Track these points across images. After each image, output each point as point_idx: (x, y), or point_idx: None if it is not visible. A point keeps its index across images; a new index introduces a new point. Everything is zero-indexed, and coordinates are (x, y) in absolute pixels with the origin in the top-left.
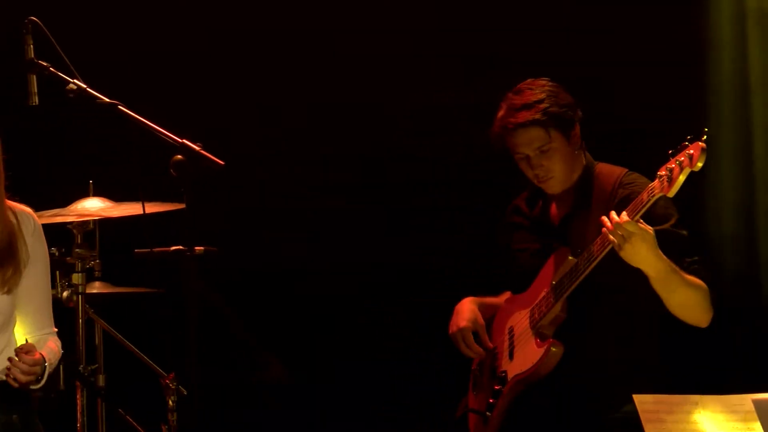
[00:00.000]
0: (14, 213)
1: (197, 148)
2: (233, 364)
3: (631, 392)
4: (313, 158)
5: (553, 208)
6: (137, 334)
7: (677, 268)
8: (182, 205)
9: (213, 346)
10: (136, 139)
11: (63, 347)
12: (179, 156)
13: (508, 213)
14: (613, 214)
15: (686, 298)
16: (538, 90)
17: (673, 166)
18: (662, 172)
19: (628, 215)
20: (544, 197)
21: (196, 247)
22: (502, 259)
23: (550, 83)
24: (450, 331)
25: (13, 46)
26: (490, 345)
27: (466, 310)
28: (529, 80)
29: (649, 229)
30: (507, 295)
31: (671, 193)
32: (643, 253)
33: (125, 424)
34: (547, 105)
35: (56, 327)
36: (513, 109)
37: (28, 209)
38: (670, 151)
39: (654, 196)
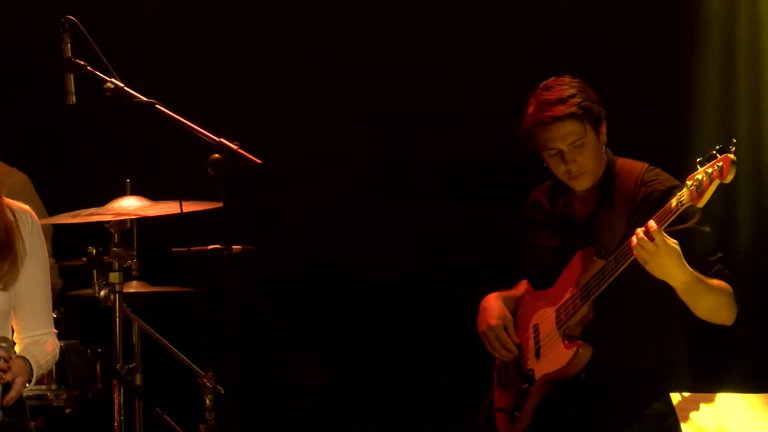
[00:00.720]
0: (12, 211)
1: (235, 146)
2: (270, 363)
3: (659, 390)
4: (349, 157)
5: (576, 206)
6: (175, 333)
7: (702, 277)
8: (220, 204)
9: (250, 344)
10: (173, 138)
11: (101, 346)
12: (217, 155)
13: (528, 207)
14: (640, 230)
15: (712, 304)
16: (568, 86)
17: (702, 177)
18: (690, 182)
19: (656, 223)
20: (565, 195)
21: (234, 246)
22: (522, 252)
23: (575, 79)
24: (480, 329)
25: (50, 45)
26: (517, 340)
27: (494, 306)
28: (552, 78)
29: (675, 244)
30: (524, 283)
31: (701, 204)
32: (668, 268)
33: (163, 423)
34: (580, 99)
35: (91, 326)
36: (547, 104)
37: (26, 207)
38: (698, 160)
39: (683, 205)
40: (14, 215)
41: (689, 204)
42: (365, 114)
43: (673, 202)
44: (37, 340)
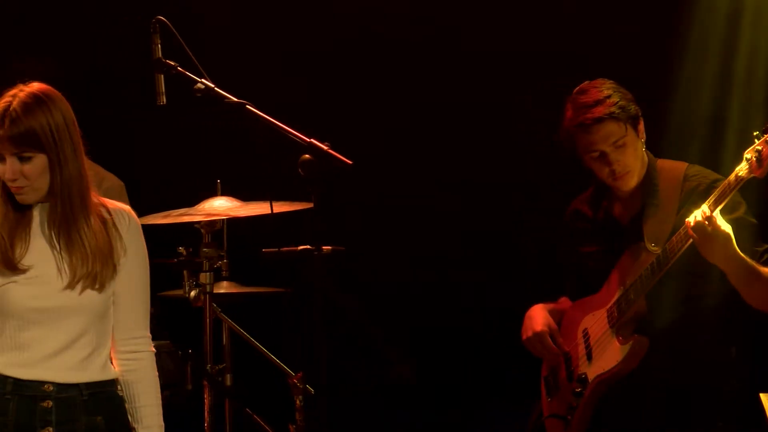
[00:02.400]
0: (108, 210)
1: (325, 147)
2: (361, 363)
3: (718, 386)
4: (438, 157)
5: (618, 208)
6: (265, 334)
7: (754, 264)
8: (310, 205)
9: (340, 345)
10: (263, 139)
11: (191, 347)
12: (307, 155)
13: (568, 217)
14: (697, 212)
15: (763, 291)
16: (603, 87)
17: (762, 147)
18: (749, 155)
19: (715, 200)
20: (608, 198)
21: (324, 247)
22: (563, 264)
23: (609, 81)
24: (524, 337)
25: (141, 45)
26: (565, 348)
27: (539, 315)
28: (586, 82)
29: (728, 227)
30: (564, 300)
31: (762, 174)
32: (721, 251)
33: (252, 424)
34: (617, 99)
35: (181, 327)
36: (585, 106)
37: (127, 207)
38: (756, 133)
39: (743, 179)
40: (110, 214)
41: (749, 177)
42: (458, 113)
43: (732, 176)
44: (134, 357)
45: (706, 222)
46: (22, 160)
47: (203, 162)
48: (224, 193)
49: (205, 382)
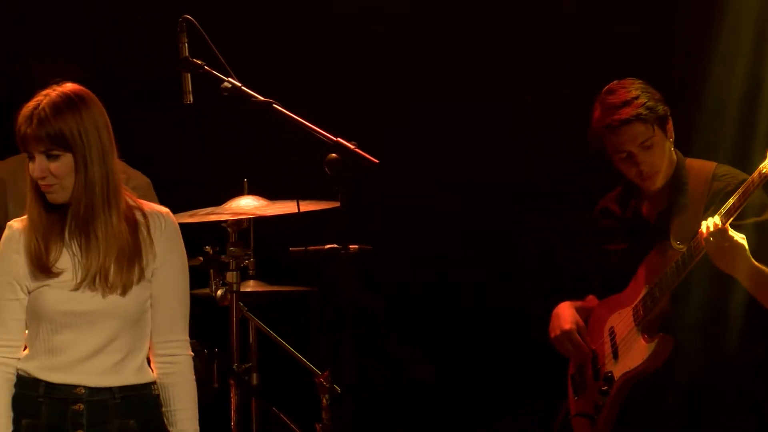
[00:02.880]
0: (144, 213)
1: (352, 146)
2: (387, 362)
3: (744, 385)
4: (466, 156)
5: (647, 207)
6: (291, 333)
7: None
8: (337, 204)
9: (366, 344)
10: (290, 138)
11: (218, 346)
12: (334, 154)
13: (596, 214)
14: (710, 223)
15: None
16: (631, 88)
17: None
18: None
19: (727, 212)
20: (635, 197)
21: (351, 246)
22: (591, 262)
23: (638, 81)
24: (552, 335)
25: (167, 44)
26: (593, 346)
27: (567, 313)
28: (615, 81)
29: (741, 239)
30: (591, 298)
31: None
32: (734, 262)
33: (279, 423)
34: (645, 100)
35: (211, 325)
36: (613, 107)
37: (164, 210)
38: None
39: (765, 177)
40: (146, 217)
41: None
42: (483, 112)
43: (756, 173)
44: (173, 360)
45: (718, 235)
46: (50, 158)
47: (230, 161)
48: (251, 192)
49: (232, 381)
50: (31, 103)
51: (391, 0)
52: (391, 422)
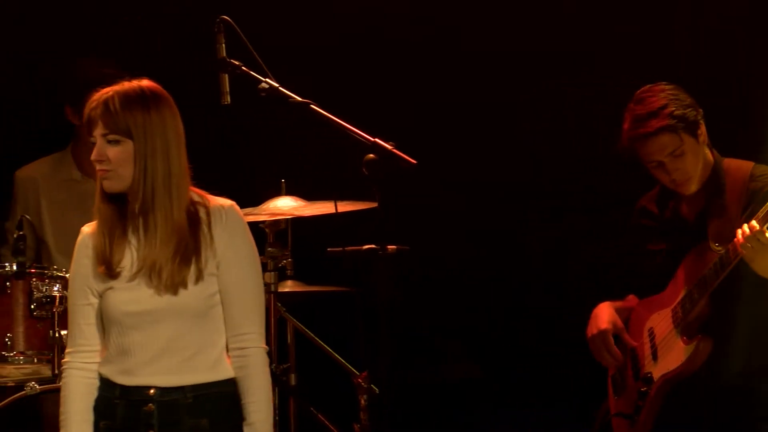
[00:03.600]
0: (206, 208)
1: (390, 147)
2: (425, 362)
3: None
4: (502, 158)
5: (685, 208)
6: (329, 333)
7: None
8: (375, 204)
9: (404, 344)
10: (328, 138)
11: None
12: (372, 155)
13: (635, 215)
14: (745, 226)
15: None
16: (660, 96)
17: None
18: None
19: (765, 216)
20: (674, 198)
21: (389, 246)
22: (631, 262)
23: (668, 86)
24: (589, 335)
25: (205, 45)
26: (634, 343)
27: (605, 313)
28: (646, 87)
29: None
30: (632, 298)
31: None
32: None
33: (317, 423)
34: (673, 109)
35: None
36: (639, 119)
37: (228, 203)
38: None
39: None
40: (208, 214)
41: None
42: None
43: None
44: (245, 353)
45: (754, 239)
46: (110, 143)
47: (268, 161)
48: (289, 193)
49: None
50: (105, 90)
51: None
52: (430, 423)
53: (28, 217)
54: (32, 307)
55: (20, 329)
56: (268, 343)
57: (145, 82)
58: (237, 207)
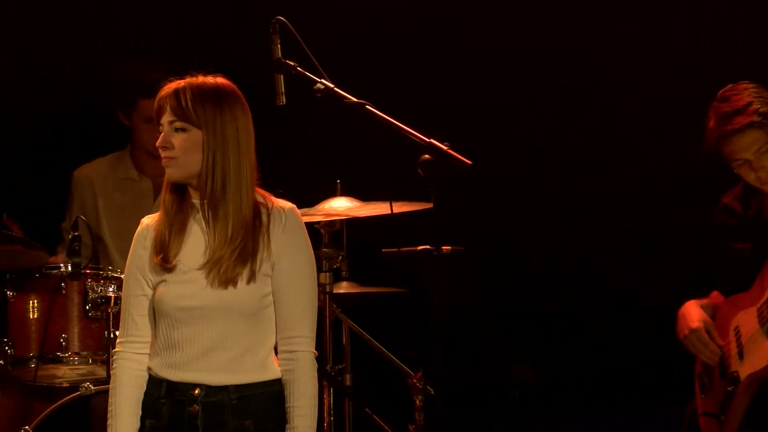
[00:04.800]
0: (268, 209)
1: (445, 147)
2: (479, 363)
3: None
4: (557, 158)
5: None
6: (384, 334)
7: None
8: (430, 205)
9: (459, 345)
10: (383, 139)
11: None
12: (427, 155)
13: (717, 213)
14: None
15: None
16: (744, 94)
17: None
18: None
19: None
20: (758, 196)
21: (444, 247)
22: (714, 259)
23: (751, 85)
24: (681, 335)
25: (260, 46)
26: (722, 342)
27: (694, 312)
28: (728, 86)
29: None
30: (716, 295)
31: None
32: None
33: (372, 424)
34: (758, 106)
35: None
36: (725, 117)
37: (288, 205)
38: None
39: None
40: (269, 215)
41: None
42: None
43: None
44: (294, 356)
45: None
46: (177, 131)
47: (323, 162)
48: (344, 193)
49: (325, 382)
50: (178, 80)
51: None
52: (484, 424)
53: (83, 217)
54: (87, 307)
55: (75, 330)
56: (323, 343)
57: (220, 79)
58: (297, 210)
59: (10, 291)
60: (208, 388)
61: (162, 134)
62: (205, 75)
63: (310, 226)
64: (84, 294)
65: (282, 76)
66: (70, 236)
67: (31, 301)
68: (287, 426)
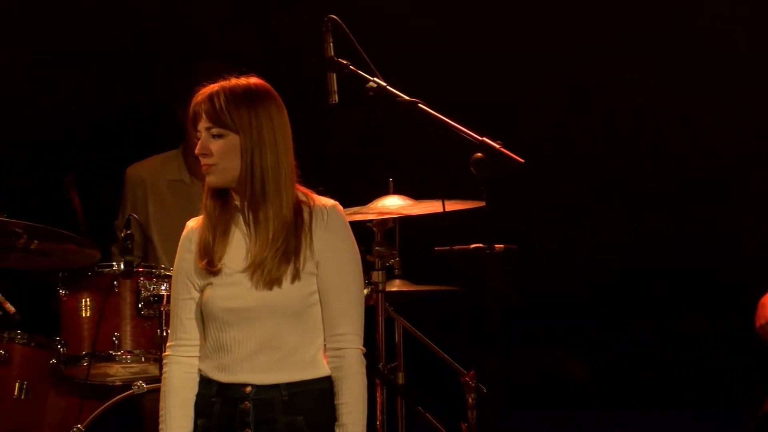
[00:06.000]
0: (310, 207)
1: (497, 145)
2: (532, 362)
3: None
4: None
5: None
6: (437, 332)
7: None
8: (482, 203)
9: (512, 343)
10: (435, 137)
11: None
12: (479, 154)
13: None
14: None
15: None
16: None
17: None
18: None
19: None
20: None
21: (496, 245)
22: None
23: None
24: (757, 325)
25: (313, 44)
26: None
27: None
28: None
29: None
30: None
31: None
32: None
33: (425, 422)
34: None
35: None
36: None
37: (330, 203)
38: None
39: None
40: (311, 214)
41: None
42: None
43: None
44: (341, 354)
45: None
46: (214, 137)
47: (375, 160)
48: (396, 192)
49: (378, 381)
50: (211, 85)
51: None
52: (537, 422)
53: (135, 215)
54: (140, 306)
55: (127, 328)
56: (376, 342)
57: (253, 79)
58: (340, 207)
59: (63, 290)
60: (258, 387)
61: (200, 141)
62: (237, 76)
63: (362, 224)
64: (136, 292)
65: (335, 75)
66: (122, 234)
67: (83, 300)
68: (336, 423)
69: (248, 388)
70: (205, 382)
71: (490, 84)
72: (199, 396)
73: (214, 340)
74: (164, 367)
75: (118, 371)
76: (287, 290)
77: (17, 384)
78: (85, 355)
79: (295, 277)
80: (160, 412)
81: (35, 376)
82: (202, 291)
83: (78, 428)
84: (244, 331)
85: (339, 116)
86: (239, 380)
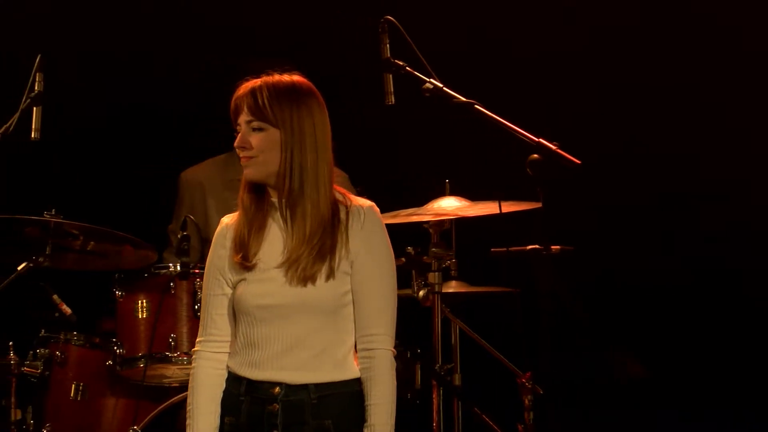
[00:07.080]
0: (347, 207)
1: (554, 147)
2: (589, 363)
3: None
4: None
5: None
6: (493, 333)
7: None
8: (539, 205)
9: (569, 345)
10: (492, 138)
11: (420, 347)
12: (536, 155)
13: None
14: None
15: None
16: None
17: None
18: None
19: None
20: None
21: (553, 247)
22: None
23: None
24: None
25: (369, 45)
26: None
27: None
28: None
29: None
30: None
31: None
32: None
33: (481, 423)
34: None
35: (413, 326)
36: None
37: (367, 203)
38: None
39: None
40: (348, 214)
41: None
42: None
43: None
44: (372, 355)
45: None
46: (254, 131)
47: (432, 162)
48: (453, 193)
49: (434, 382)
50: (253, 80)
51: None
52: (594, 423)
53: (192, 217)
54: (196, 307)
55: (184, 330)
56: (432, 343)
57: (296, 77)
58: (376, 208)
59: (119, 291)
60: (288, 387)
61: (240, 134)
62: (281, 73)
63: (419, 225)
64: (193, 294)
65: (391, 76)
66: (179, 236)
67: (140, 301)
68: (365, 424)
69: (277, 389)
70: (233, 379)
71: (547, 85)
72: (227, 393)
73: (245, 336)
74: (193, 362)
75: (174, 372)
76: (321, 288)
77: (74, 385)
78: (141, 357)
79: (330, 275)
80: (188, 408)
81: (92, 377)
82: (235, 287)
83: (134, 429)
84: (275, 328)
85: (396, 117)
86: (268, 378)
